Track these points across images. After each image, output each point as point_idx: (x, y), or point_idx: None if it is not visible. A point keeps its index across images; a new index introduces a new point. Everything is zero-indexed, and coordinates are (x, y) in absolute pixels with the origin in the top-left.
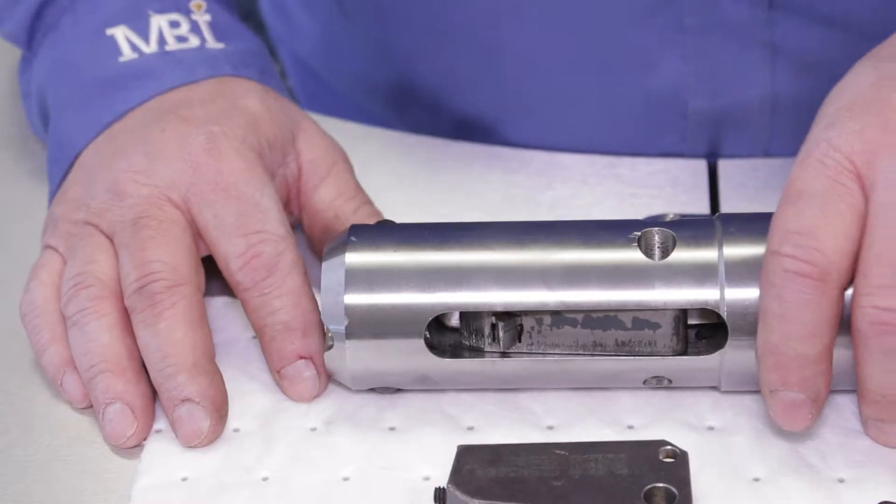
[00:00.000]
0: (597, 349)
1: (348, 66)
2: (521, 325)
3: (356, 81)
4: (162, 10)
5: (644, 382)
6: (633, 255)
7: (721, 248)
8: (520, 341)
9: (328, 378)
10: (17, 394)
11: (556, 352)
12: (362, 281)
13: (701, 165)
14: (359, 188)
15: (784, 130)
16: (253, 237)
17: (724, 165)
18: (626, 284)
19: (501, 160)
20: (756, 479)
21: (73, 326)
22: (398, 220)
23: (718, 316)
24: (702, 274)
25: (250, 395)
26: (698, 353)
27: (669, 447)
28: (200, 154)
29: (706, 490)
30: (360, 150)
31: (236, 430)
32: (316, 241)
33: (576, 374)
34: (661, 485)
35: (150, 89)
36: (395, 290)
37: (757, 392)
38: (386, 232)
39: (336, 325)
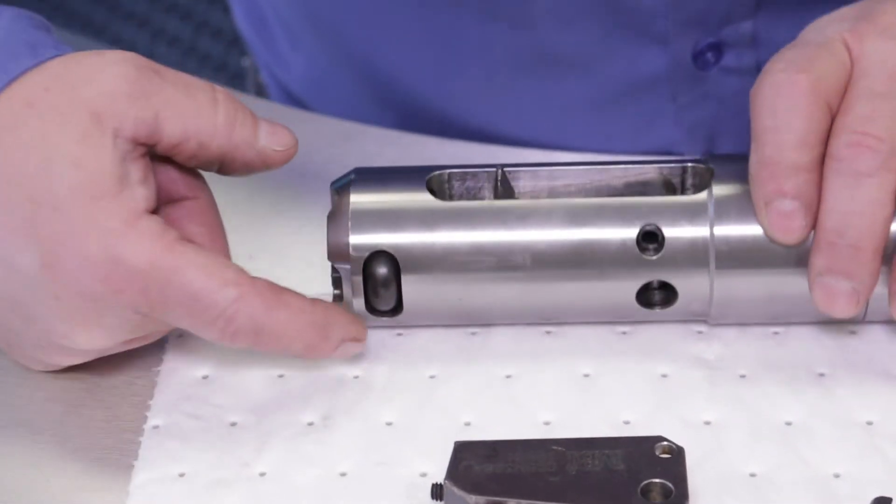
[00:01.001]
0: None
1: (338, 101)
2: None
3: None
4: None
5: (637, 243)
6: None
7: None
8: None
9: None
10: (14, 391)
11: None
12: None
13: None
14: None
15: None
16: (219, 322)
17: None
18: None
19: (498, 159)
20: (752, 475)
21: None
22: None
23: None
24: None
25: (247, 391)
26: (687, 194)
27: (666, 443)
28: (118, 282)
29: (702, 485)
30: (357, 148)
31: (233, 425)
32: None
33: (571, 208)
34: (657, 480)
35: None
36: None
37: (753, 389)
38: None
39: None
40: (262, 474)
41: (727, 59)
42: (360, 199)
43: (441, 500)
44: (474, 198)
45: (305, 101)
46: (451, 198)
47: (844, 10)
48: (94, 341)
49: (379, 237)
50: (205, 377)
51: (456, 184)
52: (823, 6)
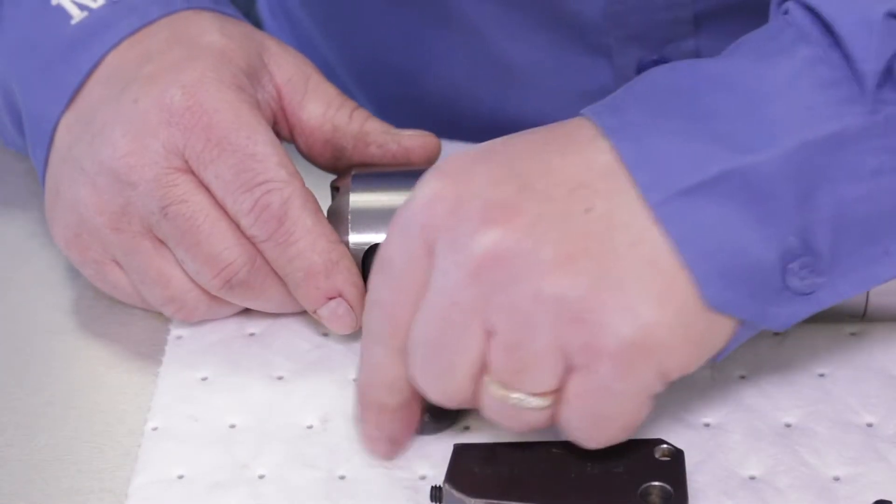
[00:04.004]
0: None
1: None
2: None
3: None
4: None
5: None
6: None
7: None
8: None
9: (363, 307)
10: (14, 393)
11: None
12: (365, 221)
13: None
14: (342, 94)
15: None
16: (257, 190)
17: None
18: None
19: None
20: (752, 478)
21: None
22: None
23: None
24: None
25: (247, 393)
26: None
27: (665, 445)
28: (183, 114)
29: (702, 488)
30: None
31: (233, 427)
32: (317, 157)
33: None
34: (657, 483)
35: (108, 40)
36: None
37: (753, 390)
38: (386, 175)
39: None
40: (262, 476)
41: None
42: (359, 198)
43: (440, 502)
44: None
45: None
46: None
47: None
48: (130, 150)
49: (378, 236)
50: (204, 379)
51: None
52: (761, 24)
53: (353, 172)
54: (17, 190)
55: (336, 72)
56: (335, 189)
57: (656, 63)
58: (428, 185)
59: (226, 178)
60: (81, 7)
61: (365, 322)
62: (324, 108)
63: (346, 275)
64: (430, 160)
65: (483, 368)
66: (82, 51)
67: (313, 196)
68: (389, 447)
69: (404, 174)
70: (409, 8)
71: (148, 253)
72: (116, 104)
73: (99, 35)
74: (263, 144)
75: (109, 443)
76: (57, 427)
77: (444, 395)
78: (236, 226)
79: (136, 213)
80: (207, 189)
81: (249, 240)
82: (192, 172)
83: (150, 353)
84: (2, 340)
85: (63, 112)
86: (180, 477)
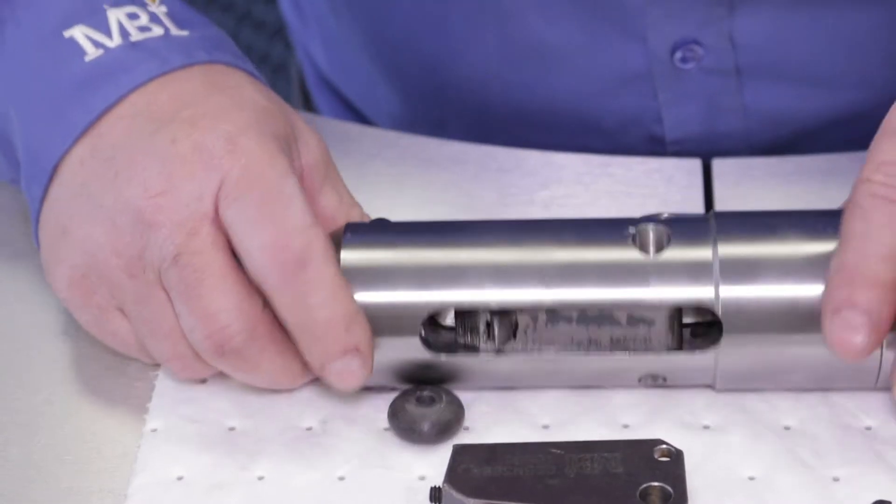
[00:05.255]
0: (592, 346)
1: (353, 73)
2: (517, 323)
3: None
4: (117, 4)
5: (639, 380)
6: (628, 252)
7: (715, 245)
8: (515, 338)
9: (372, 361)
10: (13, 393)
11: (552, 349)
12: (357, 279)
13: (696, 164)
14: (349, 192)
15: None
16: (280, 226)
17: (718, 164)
18: (621, 282)
19: (496, 160)
20: (751, 478)
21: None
22: (393, 219)
23: (713, 314)
24: (696, 271)
25: (246, 395)
26: (693, 351)
27: (665, 446)
28: (223, 158)
29: (701, 489)
30: (356, 149)
31: (232, 429)
32: None
33: (571, 371)
34: (656, 484)
35: (125, 84)
36: (390, 288)
37: (751, 391)
38: (381, 230)
39: None
40: (261, 478)
41: (707, 61)
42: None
43: (440, 503)
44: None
45: (330, 79)
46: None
47: None
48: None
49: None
50: (203, 381)
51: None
52: (797, 11)
53: (346, 228)
54: (17, 191)
55: (360, 63)
56: None
57: (691, 47)
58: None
59: (248, 213)
60: (97, 44)
61: (874, 185)
62: (337, 201)
63: (364, 328)
64: None
65: None
66: (95, 90)
67: (333, 246)
68: (869, 336)
69: (397, 227)
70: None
71: (162, 304)
72: (149, 143)
73: (115, 77)
74: (293, 187)
75: (109, 443)
76: (56, 427)
77: None
78: (246, 290)
79: (151, 260)
80: (227, 243)
81: (260, 289)
82: (217, 222)
83: None
84: (2, 340)
85: (70, 149)
86: (179, 478)
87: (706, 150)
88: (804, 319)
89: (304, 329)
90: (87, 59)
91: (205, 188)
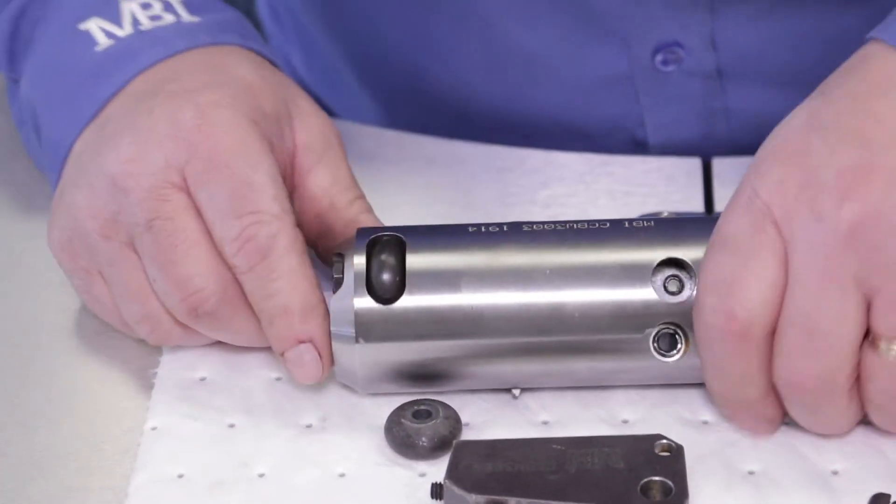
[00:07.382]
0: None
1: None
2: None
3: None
4: None
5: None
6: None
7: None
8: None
9: (331, 360)
10: (13, 391)
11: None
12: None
13: (695, 164)
14: (353, 177)
15: None
16: (246, 219)
17: (718, 163)
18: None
19: (497, 158)
20: (751, 472)
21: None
22: (393, 219)
23: None
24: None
25: (246, 393)
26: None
27: (665, 441)
28: (191, 131)
29: (702, 483)
30: (356, 149)
31: (232, 426)
32: (306, 226)
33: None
34: (657, 478)
35: (129, 70)
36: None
37: None
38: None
39: (346, 330)
40: (261, 475)
41: (688, 63)
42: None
43: (441, 499)
44: None
45: (310, 87)
46: None
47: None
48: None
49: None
50: (202, 379)
51: None
52: (778, 13)
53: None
54: (17, 190)
55: (340, 71)
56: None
57: (671, 50)
58: (772, 169)
59: (218, 200)
60: (108, 35)
61: (705, 309)
62: (330, 182)
63: (321, 322)
64: None
65: (861, 339)
66: (103, 79)
67: (302, 237)
68: (769, 426)
69: (410, 232)
70: None
71: (131, 265)
72: (132, 114)
73: (121, 64)
74: (263, 175)
75: (109, 441)
76: (57, 425)
77: (822, 372)
78: (218, 255)
79: (124, 223)
80: (198, 211)
81: (230, 269)
82: (188, 191)
83: (150, 352)
84: (2, 340)
85: (79, 136)
86: (180, 476)
87: (690, 154)
88: None
89: (263, 313)
90: (98, 49)
91: (171, 158)
